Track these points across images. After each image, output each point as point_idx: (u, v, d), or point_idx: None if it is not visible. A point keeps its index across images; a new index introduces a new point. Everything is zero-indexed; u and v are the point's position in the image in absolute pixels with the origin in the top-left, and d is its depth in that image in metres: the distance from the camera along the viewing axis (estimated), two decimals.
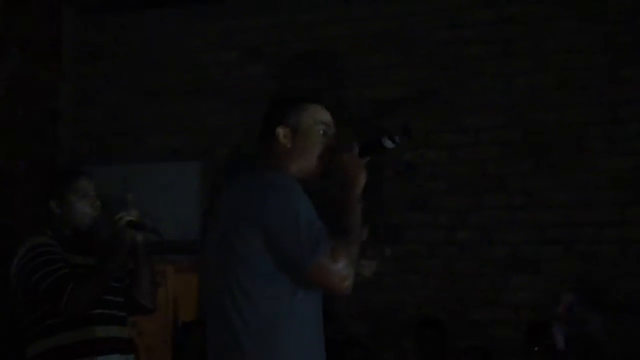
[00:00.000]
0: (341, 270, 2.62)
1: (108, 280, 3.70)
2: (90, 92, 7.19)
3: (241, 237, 2.66)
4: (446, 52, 6.30)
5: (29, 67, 6.85)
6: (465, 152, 6.18)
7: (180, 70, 6.94)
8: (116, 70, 7.15)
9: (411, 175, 2.93)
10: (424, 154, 2.89)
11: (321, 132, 2.87)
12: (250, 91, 6.72)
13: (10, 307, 3.90)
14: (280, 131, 2.85)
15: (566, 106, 6.00)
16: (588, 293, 5.44)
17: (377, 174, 6.15)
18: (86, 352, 3.67)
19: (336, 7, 6.62)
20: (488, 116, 6.16)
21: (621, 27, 5.95)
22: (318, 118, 2.88)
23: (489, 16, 6.24)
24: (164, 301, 7.91)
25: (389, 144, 2.82)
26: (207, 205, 3.44)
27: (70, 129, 7.17)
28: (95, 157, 7.03)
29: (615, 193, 5.84)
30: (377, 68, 6.45)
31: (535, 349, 5.28)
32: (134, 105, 7.04)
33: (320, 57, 6.61)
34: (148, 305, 3.98)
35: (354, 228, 2.71)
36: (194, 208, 6.72)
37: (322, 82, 6.54)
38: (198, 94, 6.86)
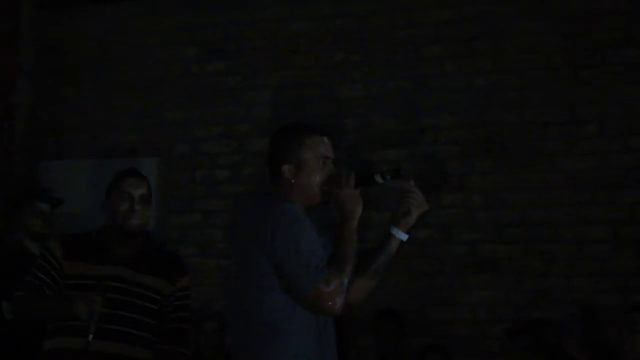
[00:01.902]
0: (333, 295, 3.00)
1: (52, 316, 3.69)
2: (47, 88, 7.12)
3: (254, 254, 3.06)
4: (406, 51, 6.29)
5: None
6: (424, 151, 6.18)
7: (139, 65, 6.89)
8: (74, 66, 7.07)
9: (396, 177, 3.13)
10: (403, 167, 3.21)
11: (322, 163, 3.20)
12: (210, 87, 6.69)
13: None
14: (285, 169, 3.18)
15: (526, 106, 6.02)
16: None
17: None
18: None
19: (297, 4, 6.60)
20: (447, 115, 6.16)
21: (581, 27, 5.97)
22: (318, 152, 3.20)
23: (450, 15, 6.24)
24: None
25: (379, 179, 3.19)
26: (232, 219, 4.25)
27: (27, 125, 7.09)
28: (52, 153, 6.96)
29: (573, 193, 5.86)
30: (337, 66, 6.43)
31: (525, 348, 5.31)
32: (92, 101, 6.98)
33: (281, 54, 6.58)
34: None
35: (349, 258, 3.07)
36: (151, 205, 6.66)
37: (283, 80, 6.51)
38: (157, 89, 6.81)
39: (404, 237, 3.41)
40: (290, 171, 3.19)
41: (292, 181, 3.19)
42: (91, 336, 3.57)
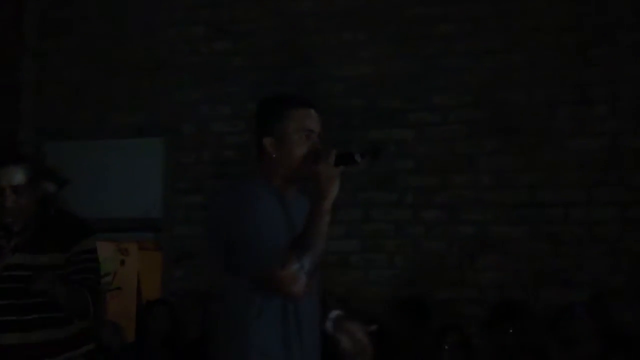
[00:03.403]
0: (289, 279, 2.83)
1: None
2: (53, 68, 7.09)
3: (214, 242, 2.96)
4: (415, 30, 6.25)
5: None
6: (433, 131, 6.15)
7: (145, 45, 6.85)
8: (79, 46, 7.04)
9: (375, 158, 3.03)
10: (389, 143, 3.05)
11: (304, 137, 3.03)
12: (216, 67, 6.65)
13: None
14: (267, 142, 3.04)
15: (535, 86, 5.98)
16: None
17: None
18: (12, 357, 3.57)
19: None
20: (456, 95, 6.12)
21: (591, 7, 5.93)
22: (301, 125, 3.03)
23: None
24: (128, 279, 7.85)
25: (359, 158, 2.98)
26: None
27: (32, 105, 7.07)
28: (58, 134, 6.93)
29: (582, 174, 5.83)
30: (345, 45, 6.39)
31: (511, 330, 5.28)
32: (98, 81, 6.94)
33: (288, 33, 6.55)
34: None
35: (315, 239, 2.89)
36: (158, 185, 6.66)
37: (289, 60, 6.48)
38: (163, 69, 6.78)
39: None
40: (272, 145, 3.04)
41: (274, 155, 3.04)
42: None
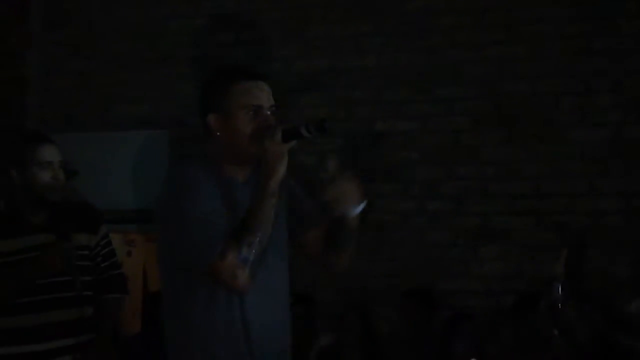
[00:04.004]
0: (230, 269, 2.61)
1: (12, 295, 3.56)
2: (58, 60, 7.09)
3: (157, 231, 2.81)
4: (419, 22, 6.25)
5: None
6: (437, 123, 6.16)
7: (150, 37, 6.86)
8: (84, 38, 7.05)
9: (321, 131, 2.69)
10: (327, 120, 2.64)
11: (251, 114, 2.76)
12: (221, 59, 6.65)
13: None
14: (211, 119, 2.79)
15: (538, 77, 5.99)
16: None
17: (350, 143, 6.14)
18: (33, 338, 3.58)
19: None
20: (460, 87, 6.13)
21: None
22: (246, 101, 2.77)
23: None
24: (134, 271, 7.87)
25: (305, 133, 2.71)
26: None
27: (37, 97, 7.09)
28: (63, 125, 6.95)
29: (586, 164, 5.85)
30: (349, 37, 6.40)
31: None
32: (103, 73, 6.95)
33: (292, 25, 6.55)
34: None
35: (258, 223, 2.63)
36: (163, 177, 6.66)
37: (293, 51, 6.48)
38: (167, 61, 6.78)
39: (354, 212, 2.82)
40: (216, 121, 2.78)
41: (218, 133, 2.78)
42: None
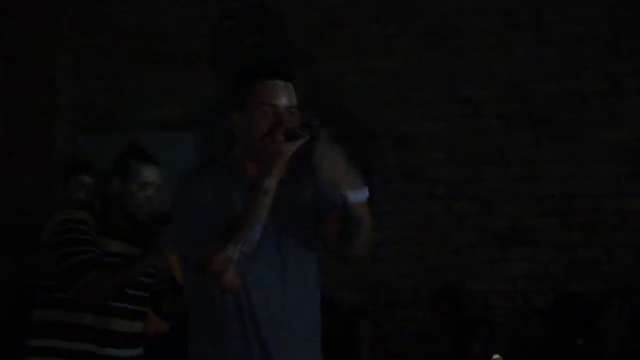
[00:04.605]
0: (217, 268, 2.58)
1: (130, 281, 3.61)
2: (87, 62, 7.14)
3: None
4: (446, 23, 6.25)
5: (26, 36, 6.81)
6: (465, 124, 6.15)
7: (178, 39, 6.89)
8: (114, 40, 7.09)
9: (308, 134, 2.59)
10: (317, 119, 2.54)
11: (268, 112, 2.71)
12: (248, 61, 6.67)
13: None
14: (232, 117, 2.77)
15: (566, 77, 5.97)
16: None
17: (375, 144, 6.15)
18: (94, 339, 3.61)
19: None
20: (488, 87, 6.12)
21: None
22: (262, 99, 2.72)
23: None
24: None
25: (301, 132, 2.66)
26: None
27: (67, 99, 7.13)
28: (92, 128, 7.00)
29: (614, 165, 5.82)
30: (376, 38, 6.40)
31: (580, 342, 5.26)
32: (132, 75, 6.99)
33: (320, 26, 6.56)
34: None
35: (247, 220, 2.60)
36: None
37: (322, 53, 6.49)
38: (195, 63, 6.81)
39: (357, 197, 2.69)
40: (237, 120, 2.75)
41: (237, 131, 2.76)
42: None
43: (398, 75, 6.31)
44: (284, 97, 2.73)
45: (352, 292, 6.17)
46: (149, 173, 3.76)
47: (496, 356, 2.85)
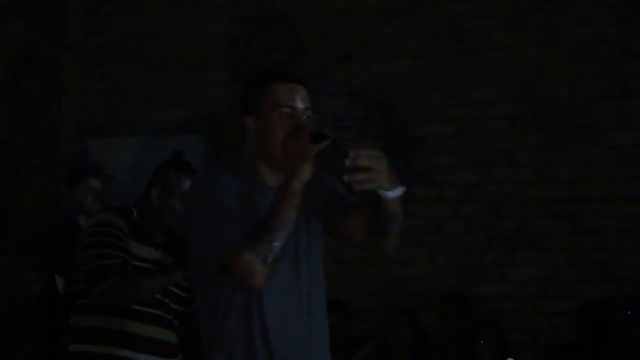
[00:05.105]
0: (245, 268, 2.56)
1: (157, 290, 3.56)
2: (95, 65, 7.15)
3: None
4: (455, 25, 6.24)
5: (34, 39, 6.82)
6: (473, 126, 6.14)
7: (186, 42, 6.89)
8: (121, 43, 7.09)
9: (342, 131, 2.62)
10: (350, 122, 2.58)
11: (285, 115, 2.72)
12: (256, 64, 6.67)
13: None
14: (247, 120, 2.77)
15: (576, 80, 5.95)
16: None
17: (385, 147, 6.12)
18: (128, 345, 3.57)
19: None
20: (497, 90, 6.10)
21: (631, 0, 5.89)
22: (279, 101, 2.73)
23: None
24: None
25: (329, 133, 2.67)
26: None
27: (74, 102, 7.14)
28: (100, 131, 7.00)
29: (623, 168, 5.80)
30: (385, 41, 6.39)
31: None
32: (139, 78, 6.99)
33: (327, 29, 6.55)
34: None
35: (276, 222, 2.59)
36: None
37: (329, 55, 6.49)
38: (203, 66, 6.81)
39: (392, 194, 2.72)
40: (251, 124, 2.75)
41: (253, 135, 2.75)
42: None
43: (407, 78, 6.30)
44: (300, 99, 2.74)
45: (361, 296, 6.16)
46: (188, 185, 3.66)
47: None
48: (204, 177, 2.80)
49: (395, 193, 2.72)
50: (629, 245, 5.72)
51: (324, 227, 2.88)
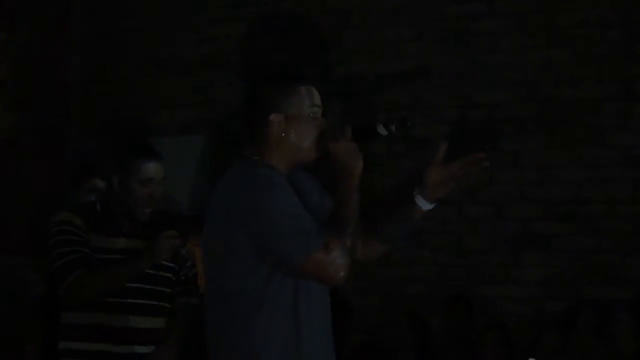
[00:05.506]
0: (336, 261, 2.61)
1: (124, 281, 3.55)
2: (100, 66, 7.15)
3: (226, 234, 2.68)
4: (460, 26, 6.23)
5: (40, 40, 6.83)
6: (478, 128, 6.13)
7: (190, 43, 6.90)
8: (126, 43, 7.10)
9: (404, 127, 2.73)
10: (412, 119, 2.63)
11: (317, 114, 2.80)
12: (261, 64, 6.67)
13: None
14: (274, 118, 2.75)
15: (581, 81, 5.94)
16: None
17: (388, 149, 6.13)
18: (113, 338, 3.59)
19: None
20: (501, 91, 6.09)
21: (636, 1, 5.87)
22: (310, 102, 2.79)
23: None
24: None
25: (382, 131, 2.77)
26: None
27: (80, 102, 7.15)
28: (104, 131, 7.00)
29: (628, 169, 5.79)
30: (390, 42, 6.39)
31: None
32: (144, 79, 7.00)
33: (333, 30, 6.55)
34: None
35: (349, 219, 2.69)
36: (204, 183, 6.70)
37: (333, 57, 6.49)
38: (208, 67, 6.81)
39: (428, 206, 2.99)
40: (280, 123, 2.75)
41: (282, 134, 2.75)
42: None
43: (411, 80, 6.29)
44: (320, 100, 2.83)
45: (366, 297, 6.16)
46: (149, 169, 3.64)
47: None
48: (258, 174, 2.72)
49: (430, 206, 3.00)
50: (632, 247, 5.71)
51: None
